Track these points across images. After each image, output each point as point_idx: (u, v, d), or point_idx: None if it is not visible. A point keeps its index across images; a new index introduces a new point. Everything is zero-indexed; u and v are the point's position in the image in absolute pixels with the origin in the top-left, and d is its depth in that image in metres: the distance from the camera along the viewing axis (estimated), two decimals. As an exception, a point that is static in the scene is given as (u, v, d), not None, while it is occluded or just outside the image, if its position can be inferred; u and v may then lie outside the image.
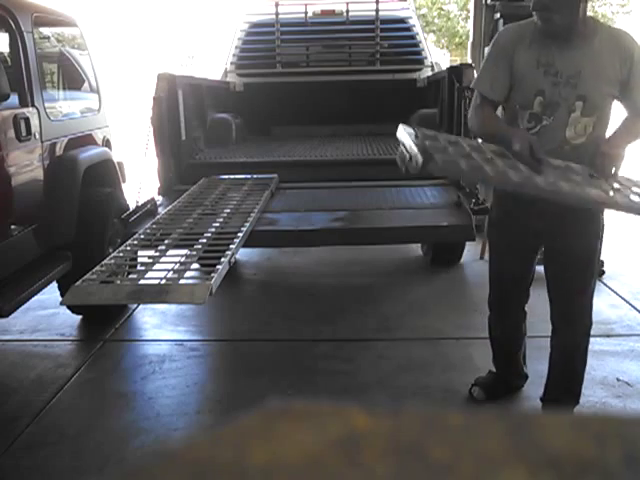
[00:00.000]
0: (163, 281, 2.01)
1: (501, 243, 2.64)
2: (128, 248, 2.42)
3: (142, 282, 2.04)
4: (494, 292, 2.73)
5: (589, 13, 2.38)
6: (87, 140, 4.11)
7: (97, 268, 2.15)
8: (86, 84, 4.46)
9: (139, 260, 2.50)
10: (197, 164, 4.06)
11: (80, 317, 3.96)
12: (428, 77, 5.37)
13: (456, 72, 3.85)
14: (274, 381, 3.12)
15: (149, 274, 2.13)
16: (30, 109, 3.35)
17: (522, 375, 2.92)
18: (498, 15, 5.23)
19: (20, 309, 3.16)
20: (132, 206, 3.29)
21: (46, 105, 3.54)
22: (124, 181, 4.55)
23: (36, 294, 3.26)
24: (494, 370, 2.91)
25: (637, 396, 2.90)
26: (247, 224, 2.66)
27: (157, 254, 2.32)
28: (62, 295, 3.35)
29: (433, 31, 20.56)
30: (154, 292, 1.94)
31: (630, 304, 4.03)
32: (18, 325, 3.88)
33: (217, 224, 2.69)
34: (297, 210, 3.20)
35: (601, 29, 2.36)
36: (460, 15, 19.87)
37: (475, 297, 3.92)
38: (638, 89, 2.35)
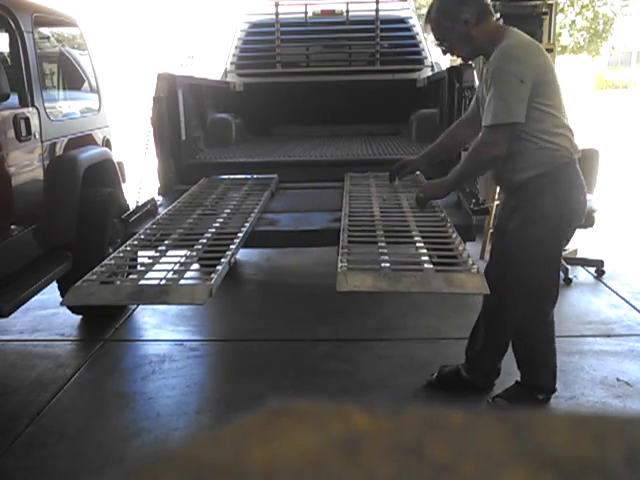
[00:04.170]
0: (163, 281, 2.01)
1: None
2: (128, 248, 2.41)
3: (142, 283, 2.04)
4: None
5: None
6: (87, 140, 4.11)
7: (97, 268, 2.15)
8: (86, 84, 4.46)
9: (139, 260, 2.50)
10: (197, 164, 4.06)
11: (80, 317, 3.97)
12: (428, 77, 5.36)
13: (456, 72, 3.84)
14: (274, 381, 3.12)
15: (149, 274, 2.13)
16: (30, 109, 3.35)
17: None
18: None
19: (20, 309, 3.16)
20: (132, 206, 3.29)
21: (46, 105, 3.54)
22: (124, 181, 4.55)
23: (36, 294, 3.26)
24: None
25: (637, 396, 2.90)
26: (247, 224, 2.66)
27: (157, 254, 2.32)
28: (62, 295, 3.35)
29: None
30: (154, 293, 1.94)
31: (630, 304, 4.03)
32: (18, 325, 3.88)
33: (217, 224, 2.69)
34: (297, 210, 3.20)
35: (500, 44, 2.34)
36: (460, 15, 19.84)
37: (475, 297, 3.91)
38: (486, 104, 2.36)
